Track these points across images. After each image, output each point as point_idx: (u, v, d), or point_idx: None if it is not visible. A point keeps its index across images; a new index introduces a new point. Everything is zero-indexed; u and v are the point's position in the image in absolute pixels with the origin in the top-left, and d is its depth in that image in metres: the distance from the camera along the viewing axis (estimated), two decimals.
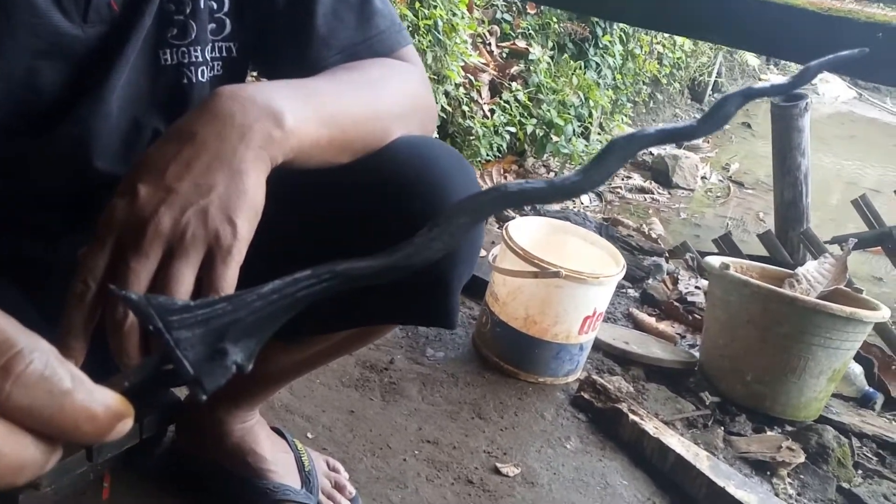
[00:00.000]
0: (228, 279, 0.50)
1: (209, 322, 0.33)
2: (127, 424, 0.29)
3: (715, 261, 1.64)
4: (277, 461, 0.99)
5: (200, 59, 0.70)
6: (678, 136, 0.44)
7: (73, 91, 0.64)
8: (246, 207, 0.52)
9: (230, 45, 0.72)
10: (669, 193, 4.90)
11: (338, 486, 1.06)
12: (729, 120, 0.44)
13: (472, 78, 3.65)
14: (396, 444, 1.22)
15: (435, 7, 2.95)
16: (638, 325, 1.93)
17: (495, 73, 3.93)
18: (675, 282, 2.21)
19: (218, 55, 0.72)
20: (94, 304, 0.48)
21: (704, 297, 2.12)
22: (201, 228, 0.49)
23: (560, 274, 1.33)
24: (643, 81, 5.73)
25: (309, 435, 1.19)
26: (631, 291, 2.15)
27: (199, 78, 0.71)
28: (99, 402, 0.28)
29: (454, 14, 3.24)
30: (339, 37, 0.73)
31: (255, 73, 0.85)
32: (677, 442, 1.31)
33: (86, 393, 0.28)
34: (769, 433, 1.50)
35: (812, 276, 1.75)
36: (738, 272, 1.62)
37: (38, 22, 0.59)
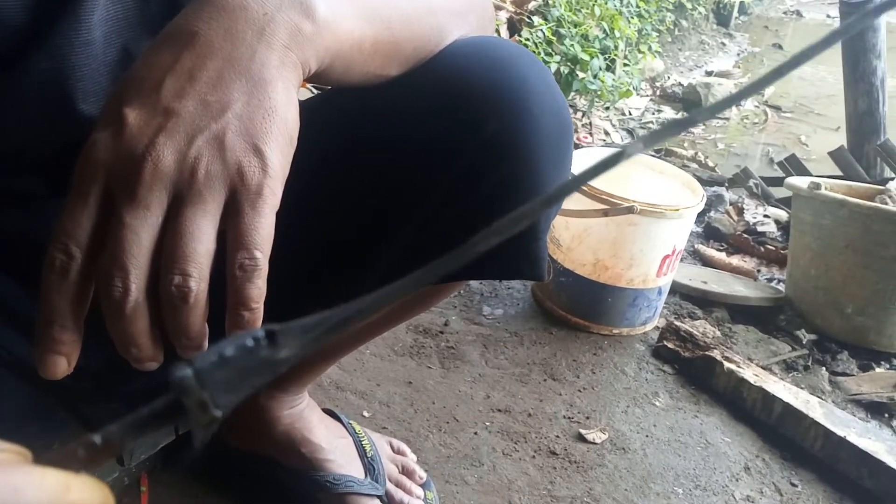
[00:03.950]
0: (262, 230, 0.35)
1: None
2: None
3: (801, 181, 1.44)
4: (335, 448, 0.86)
5: None
6: None
7: (43, 15, 0.48)
8: (276, 131, 0.37)
9: None
10: (704, 124, 4.66)
11: (406, 471, 0.91)
12: None
13: None
14: (464, 416, 1.08)
15: None
16: (706, 263, 1.76)
17: (513, 10, 3.69)
18: (741, 212, 2.01)
19: None
20: (83, 279, 0.34)
21: (776, 226, 1.93)
22: (218, 162, 0.35)
23: (634, 209, 1.16)
24: (667, 8, 5.42)
25: (365, 413, 1.05)
26: (693, 226, 1.97)
27: None
28: None
29: None
30: None
31: None
32: (783, 389, 1.15)
33: None
34: (879, 370, 1.33)
35: None
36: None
37: None
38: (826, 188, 1.42)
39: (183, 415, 0.20)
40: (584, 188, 1.20)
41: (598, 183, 1.20)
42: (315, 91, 1.40)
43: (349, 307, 0.20)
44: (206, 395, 0.18)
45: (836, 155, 2.06)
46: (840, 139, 2.69)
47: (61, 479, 0.16)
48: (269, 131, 0.36)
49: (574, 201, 1.22)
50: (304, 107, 0.41)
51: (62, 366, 0.34)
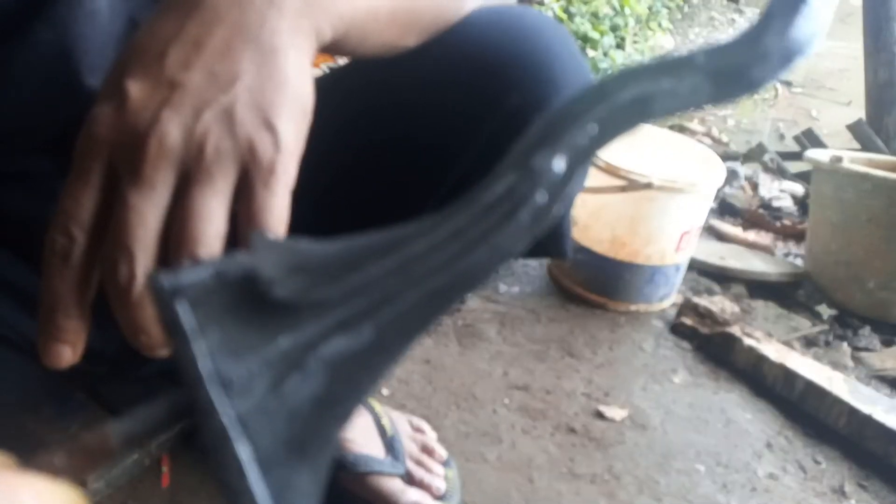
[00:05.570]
0: (275, 211, 0.33)
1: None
2: None
3: (822, 154, 1.41)
4: (354, 427, 0.85)
5: None
6: None
7: None
8: (289, 104, 0.34)
9: None
10: None
11: (426, 450, 0.91)
12: None
13: None
14: (482, 393, 1.07)
15: None
16: (722, 238, 1.73)
17: None
18: (755, 187, 1.98)
19: None
20: (86, 262, 0.32)
21: (792, 201, 1.91)
22: (227, 138, 0.32)
23: (652, 185, 1.14)
24: None
25: (384, 392, 1.04)
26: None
27: None
28: None
29: None
30: None
31: None
32: (805, 365, 1.13)
33: None
34: None
35: None
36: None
37: None
38: (848, 161, 1.40)
39: (187, 415, 0.19)
40: (599, 164, 1.18)
41: (616, 158, 1.18)
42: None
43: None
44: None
45: (854, 128, 2.02)
46: (851, 113, 2.63)
47: (31, 487, 0.14)
48: (282, 104, 0.33)
49: (591, 177, 1.20)
50: (317, 82, 0.39)
51: (66, 355, 0.32)
